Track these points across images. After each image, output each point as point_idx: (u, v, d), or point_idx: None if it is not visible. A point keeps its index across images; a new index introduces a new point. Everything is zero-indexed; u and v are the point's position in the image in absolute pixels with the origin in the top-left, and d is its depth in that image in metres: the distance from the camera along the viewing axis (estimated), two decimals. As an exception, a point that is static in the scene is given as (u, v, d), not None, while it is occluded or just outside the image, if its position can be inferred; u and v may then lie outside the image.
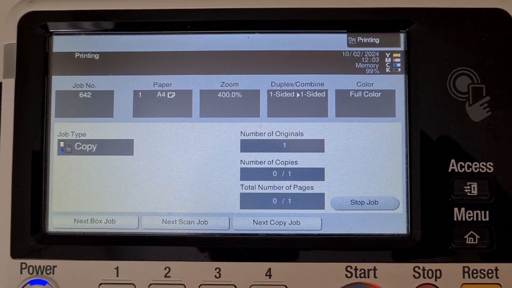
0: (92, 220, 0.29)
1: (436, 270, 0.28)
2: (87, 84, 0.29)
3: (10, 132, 0.28)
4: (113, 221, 0.29)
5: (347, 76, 0.29)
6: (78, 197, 0.29)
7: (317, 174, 0.28)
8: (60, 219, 0.29)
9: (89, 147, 0.29)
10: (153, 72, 0.29)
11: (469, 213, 0.28)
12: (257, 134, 0.29)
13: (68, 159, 0.29)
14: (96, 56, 0.29)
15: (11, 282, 0.28)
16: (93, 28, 0.29)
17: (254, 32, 0.29)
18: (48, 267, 0.28)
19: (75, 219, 0.29)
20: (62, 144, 0.29)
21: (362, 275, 0.28)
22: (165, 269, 0.28)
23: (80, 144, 0.29)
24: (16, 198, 0.28)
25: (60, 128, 0.29)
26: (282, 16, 0.29)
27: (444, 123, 0.28)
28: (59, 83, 0.29)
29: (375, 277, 0.28)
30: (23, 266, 0.28)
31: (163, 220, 0.28)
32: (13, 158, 0.28)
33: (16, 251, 0.28)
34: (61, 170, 0.29)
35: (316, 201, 0.28)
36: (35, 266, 0.28)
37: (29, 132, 0.28)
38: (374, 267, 0.28)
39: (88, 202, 0.29)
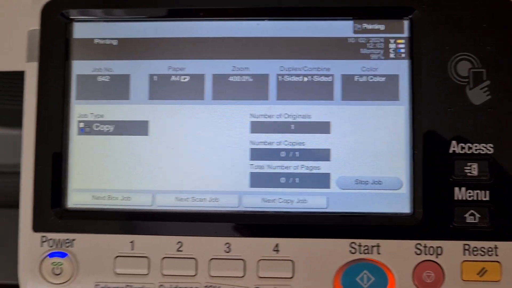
0: (109, 197, 0.30)
1: (437, 247, 0.29)
2: (105, 68, 0.31)
3: (33, 113, 0.30)
4: (129, 198, 0.30)
5: (353, 62, 0.30)
6: (96, 175, 0.30)
7: (323, 154, 0.30)
8: (79, 195, 0.30)
9: (107, 127, 0.30)
10: (167, 57, 0.30)
11: (470, 193, 0.29)
12: (266, 116, 0.30)
13: (87, 139, 0.30)
14: (115, 42, 0.31)
15: (32, 254, 0.30)
16: (111, 16, 0.30)
17: (263, 19, 0.30)
18: (67, 240, 0.30)
19: (93, 195, 0.30)
20: (81, 125, 0.30)
21: (366, 251, 0.29)
22: (177, 243, 0.29)
23: (99, 125, 0.30)
24: (38, 176, 0.30)
25: (80, 110, 0.31)
26: (291, 4, 0.30)
27: (445, 106, 0.29)
28: (79, 67, 0.31)
29: (378, 253, 0.29)
30: (44, 239, 0.30)
31: (176, 197, 0.30)
32: (35, 138, 0.30)
33: (38, 225, 0.30)
34: (81, 150, 0.30)
35: (322, 180, 0.30)
36: (55, 239, 0.30)
37: (50, 113, 0.30)
38: (378, 244, 0.29)
39: (105, 180, 0.30)
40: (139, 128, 0.30)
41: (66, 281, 0.30)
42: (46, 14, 0.30)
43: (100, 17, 0.31)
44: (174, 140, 0.30)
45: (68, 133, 0.30)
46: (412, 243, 0.29)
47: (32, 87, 0.30)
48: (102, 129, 0.30)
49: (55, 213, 0.30)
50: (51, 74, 0.30)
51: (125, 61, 0.30)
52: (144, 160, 0.30)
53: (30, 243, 0.30)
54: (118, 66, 0.30)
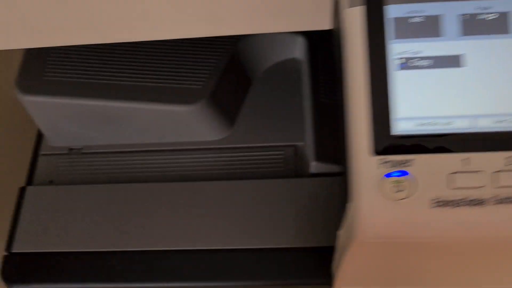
0: (431, 123, 0.34)
1: None
2: (417, 10, 0.34)
3: (359, 51, 0.33)
4: (450, 123, 0.33)
5: None
6: (417, 104, 0.34)
7: None
8: (403, 123, 0.34)
9: (424, 62, 0.34)
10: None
11: None
12: None
13: (406, 74, 0.34)
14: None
15: (370, 176, 0.33)
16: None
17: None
18: (402, 162, 0.33)
19: (416, 123, 0.34)
20: (400, 61, 0.34)
21: None
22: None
23: (416, 60, 0.34)
24: (371, 106, 0.33)
25: (398, 49, 0.34)
26: None
27: None
28: (395, 11, 0.34)
29: None
30: (380, 161, 0.33)
31: (495, 120, 0.33)
32: (364, 72, 0.33)
33: (374, 150, 0.33)
34: (401, 83, 0.34)
35: None
36: (392, 161, 0.33)
37: (374, 52, 0.34)
38: None
39: (426, 108, 0.34)
40: (453, 61, 0.34)
41: (404, 198, 0.32)
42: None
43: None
44: (488, 70, 0.34)
45: (389, 69, 0.34)
46: None
47: (356, 28, 0.34)
48: (419, 64, 0.34)
49: (388, 139, 0.33)
50: (372, 18, 0.34)
51: (435, 3, 0.34)
52: (461, 88, 0.34)
53: (367, 166, 0.33)
54: (430, 8, 0.34)
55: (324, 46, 0.68)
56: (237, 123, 0.67)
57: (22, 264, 0.62)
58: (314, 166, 0.61)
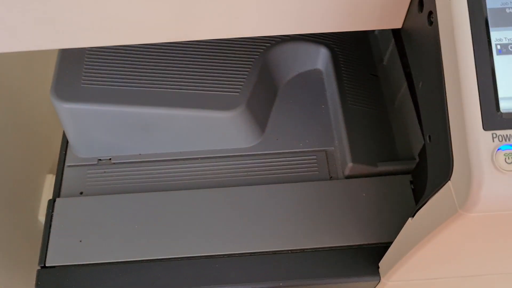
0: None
1: None
2: (510, 2, 0.38)
3: (467, 34, 0.37)
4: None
5: None
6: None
7: None
8: (506, 102, 0.37)
9: (520, 48, 0.38)
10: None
11: None
12: None
13: (504, 58, 0.37)
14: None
15: (484, 149, 0.35)
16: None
17: None
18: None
19: (517, 101, 0.37)
20: (498, 47, 0.38)
21: None
22: None
23: (512, 47, 0.38)
24: (480, 85, 0.36)
25: (496, 36, 0.38)
26: None
27: None
28: (491, 2, 0.38)
29: None
30: (494, 135, 0.36)
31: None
32: (473, 54, 0.36)
33: (487, 125, 0.36)
34: (501, 67, 0.37)
35: None
36: (503, 135, 0.36)
37: (476, 38, 0.37)
38: None
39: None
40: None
41: (517, 170, 0.35)
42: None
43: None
44: None
45: (491, 53, 0.37)
46: None
47: (463, 18, 0.37)
48: (514, 50, 0.38)
49: (497, 115, 0.36)
50: (475, 8, 0.37)
51: (524, -3, 0.38)
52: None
53: (481, 140, 0.35)
54: (520, 1, 0.38)
55: (344, 56, 0.72)
56: (267, 129, 0.68)
57: (57, 278, 0.59)
58: (350, 168, 0.63)
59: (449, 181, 0.38)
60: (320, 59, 0.72)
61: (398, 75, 0.66)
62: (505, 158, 0.35)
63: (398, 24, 0.46)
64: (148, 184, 0.65)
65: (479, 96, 0.36)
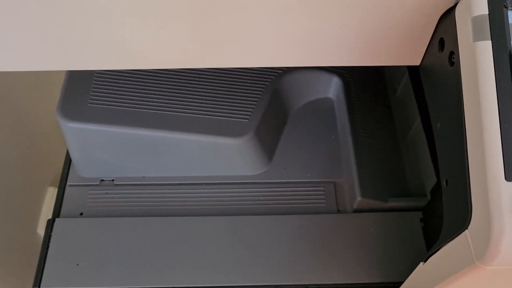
0: None
1: None
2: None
3: (490, 81, 0.35)
4: None
5: None
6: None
7: None
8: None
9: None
10: None
11: None
12: None
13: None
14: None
15: (505, 202, 0.34)
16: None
17: None
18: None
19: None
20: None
21: None
22: None
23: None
24: (503, 136, 0.34)
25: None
26: None
27: None
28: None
29: None
30: None
31: None
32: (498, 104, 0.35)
33: (510, 175, 0.34)
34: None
35: None
36: None
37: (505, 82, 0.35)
38: None
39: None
40: None
41: (540, 224, 0.34)
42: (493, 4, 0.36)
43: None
44: None
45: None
46: None
47: (487, 61, 0.35)
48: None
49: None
50: (499, 52, 0.36)
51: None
52: None
53: (503, 191, 0.34)
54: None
55: (356, 86, 0.71)
56: (275, 158, 0.67)
57: (51, 302, 0.58)
58: (359, 202, 0.61)
59: (466, 230, 0.37)
60: (331, 88, 0.70)
61: (412, 108, 0.65)
62: (532, 210, 0.34)
63: (416, 62, 0.44)
64: (150, 208, 0.63)
65: (502, 145, 0.34)
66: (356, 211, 0.63)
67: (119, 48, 0.45)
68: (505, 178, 0.34)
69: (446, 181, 0.40)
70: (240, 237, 0.61)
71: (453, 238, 0.38)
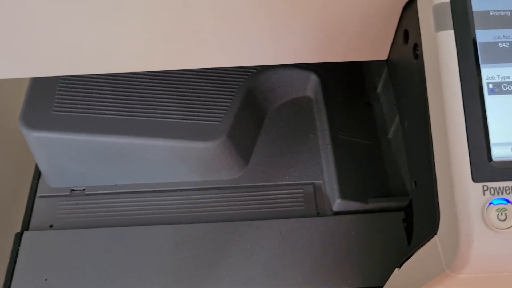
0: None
1: None
2: (504, 36, 0.34)
3: (455, 75, 0.32)
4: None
5: None
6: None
7: None
8: (499, 148, 0.32)
9: (513, 87, 0.33)
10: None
11: None
12: None
13: (497, 99, 0.33)
14: (508, 13, 0.34)
15: (474, 203, 0.31)
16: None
17: None
18: (507, 188, 0.31)
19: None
20: (490, 86, 0.33)
21: None
22: None
23: (506, 85, 0.33)
24: (469, 133, 0.32)
25: (488, 73, 0.33)
26: None
27: None
28: (483, 36, 0.34)
29: None
30: (485, 188, 0.31)
31: None
32: (462, 97, 0.32)
33: (477, 176, 0.31)
34: (493, 108, 0.33)
35: None
36: (495, 187, 0.31)
37: (467, 76, 0.33)
38: None
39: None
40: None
41: (511, 227, 0.31)
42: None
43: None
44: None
45: (484, 94, 0.33)
46: None
47: (450, 52, 0.33)
48: (510, 89, 0.33)
49: (488, 165, 0.32)
50: (463, 42, 0.33)
51: (520, 29, 0.34)
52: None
53: (470, 193, 0.31)
54: (514, 34, 0.34)
55: (335, 83, 0.68)
56: (251, 160, 0.64)
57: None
58: (338, 204, 0.59)
59: (435, 236, 0.34)
60: (309, 85, 0.68)
61: (391, 104, 0.62)
62: (498, 214, 0.31)
63: (383, 56, 0.42)
64: (123, 218, 0.61)
65: (468, 143, 0.32)
66: (336, 213, 0.60)
67: (78, 52, 0.43)
68: (472, 179, 0.31)
69: (415, 182, 0.38)
70: (217, 245, 0.58)
71: (424, 243, 0.36)
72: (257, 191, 0.62)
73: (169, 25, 0.39)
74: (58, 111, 0.57)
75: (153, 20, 0.39)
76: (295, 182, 0.63)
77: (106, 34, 0.40)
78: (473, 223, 0.31)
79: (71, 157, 0.59)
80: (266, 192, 0.62)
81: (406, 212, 0.59)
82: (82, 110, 0.58)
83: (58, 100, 0.58)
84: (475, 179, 0.31)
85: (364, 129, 0.65)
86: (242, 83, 0.62)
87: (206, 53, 0.43)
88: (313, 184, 0.63)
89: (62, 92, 0.59)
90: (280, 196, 0.62)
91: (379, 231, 0.58)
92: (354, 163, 0.62)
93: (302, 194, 0.62)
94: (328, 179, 0.61)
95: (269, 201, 0.62)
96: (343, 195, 0.59)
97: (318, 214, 0.60)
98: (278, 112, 0.68)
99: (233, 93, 0.61)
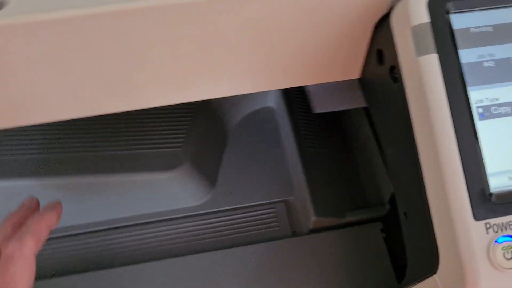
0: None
1: None
2: (487, 54, 0.31)
3: (443, 100, 0.30)
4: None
5: None
6: (506, 156, 0.30)
7: None
8: (496, 178, 0.30)
9: (504, 109, 0.31)
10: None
11: None
12: None
13: (488, 124, 0.31)
14: (490, 28, 0.32)
15: (478, 242, 0.29)
16: (486, 5, 0.32)
17: None
18: (510, 223, 0.29)
19: (509, 177, 0.30)
20: (480, 110, 0.31)
21: None
22: None
23: (496, 108, 0.31)
24: (465, 164, 0.29)
25: (476, 96, 0.31)
26: None
27: None
28: (466, 56, 0.31)
29: None
30: (488, 225, 0.29)
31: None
32: (452, 123, 0.29)
33: (478, 214, 0.29)
34: (486, 134, 0.30)
35: None
36: (498, 224, 0.29)
37: (455, 100, 0.30)
38: None
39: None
40: (533, 105, 0.31)
41: (518, 265, 0.29)
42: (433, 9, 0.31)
43: (477, 7, 0.32)
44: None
45: (473, 119, 0.30)
46: None
47: (435, 78, 0.30)
48: (500, 112, 0.31)
49: (491, 199, 0.29)
50: (448, 65, 0.30)
51: (504, 45, 0.32)
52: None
53: (473, 233, 0.29)
54: (499, 51, 0.31)
55: (297, 93, 0.65)
56: (218, 183, 0.60)
57: None
58: (314, 222, 0.56)
59: (435, 275, 0.31)
60: (269, 94, 0.64)
61: (359, 111, 0.59)
62: (504, 253, 0.29)
63: (355, 75, 0.38)
64: (82, 262, 0.56)
65: (465, 177, 0.29)
66: (312, 231, 0.57)
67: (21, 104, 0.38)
68: (474, 217, 0.29)
69: (405, 213, 0.35)
70: (185, 281, 0.54)
71: (421, 281, 0.33)
72: (227, 215, 0.59)
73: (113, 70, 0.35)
74: (2, 156, 0.52)
75: (100, 67, 0.34)
76: (266, 202, 0.59)
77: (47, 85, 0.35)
78: (478, 265, 0.28)
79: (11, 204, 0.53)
80: (237, 216, 0.59)
81: (384, 222, 0.56)
82: (29, 152, 0.52)
83: (2, 144, 0.52)
84: (477, 217, 0.29)
85: (333, 138, 0.62)
86: (199, 103, 0.58)
87: (158, 94, 0.39)
88: (285, 201, 0.59)
89: (6, 136, 0.53)
90: (252, 218, 0.59)
91: (359, 244, 0.56)
92: (326, 175, 0.59)
93: (274, 214, 0.59)
94: (300, 195, 0.58)
95: (241, 224, 0.58)
96: (318, 212, 0.56)
97: (294, 233, 0.57)
98: (241, 126, 0.64)
99: (191, 115, 0.57)
